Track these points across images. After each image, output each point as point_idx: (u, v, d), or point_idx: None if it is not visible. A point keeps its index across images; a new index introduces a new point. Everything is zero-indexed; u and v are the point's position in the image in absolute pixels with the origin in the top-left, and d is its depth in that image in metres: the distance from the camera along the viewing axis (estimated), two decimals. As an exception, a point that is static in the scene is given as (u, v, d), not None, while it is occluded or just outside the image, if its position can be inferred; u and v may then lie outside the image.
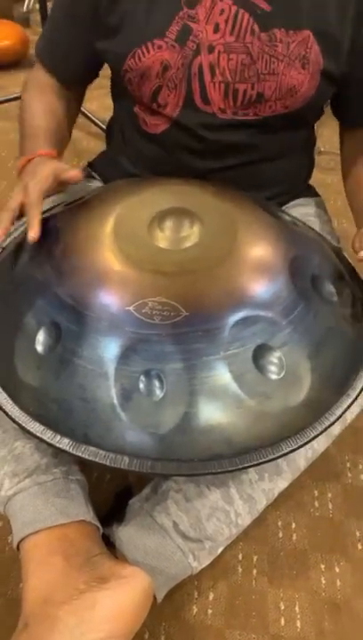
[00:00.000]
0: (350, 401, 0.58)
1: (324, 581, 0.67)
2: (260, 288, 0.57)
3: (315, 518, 0.73)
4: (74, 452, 0.52)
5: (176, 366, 0.52)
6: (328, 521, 0.73)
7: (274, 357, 0.54)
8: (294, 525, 0.72)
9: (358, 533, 0.72)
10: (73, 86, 0.85)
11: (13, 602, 0.61)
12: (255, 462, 0.53)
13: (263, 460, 0.53)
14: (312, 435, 0.55)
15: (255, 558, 0.68)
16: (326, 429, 0.55)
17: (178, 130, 0.76)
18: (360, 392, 0.59)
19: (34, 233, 0.61)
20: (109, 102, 0.84)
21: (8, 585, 0.64)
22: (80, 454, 0.52)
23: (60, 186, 0.69)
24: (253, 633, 0.61)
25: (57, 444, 0.52)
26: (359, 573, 0.67)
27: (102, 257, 0.58)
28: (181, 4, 0.67)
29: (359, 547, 0.70)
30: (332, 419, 0.56)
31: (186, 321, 0.53)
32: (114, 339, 0.53)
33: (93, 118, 1.61)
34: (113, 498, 0.71)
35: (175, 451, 0.52)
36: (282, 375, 0.54)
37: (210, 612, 0.63)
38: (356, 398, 0.58)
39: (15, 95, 1.70)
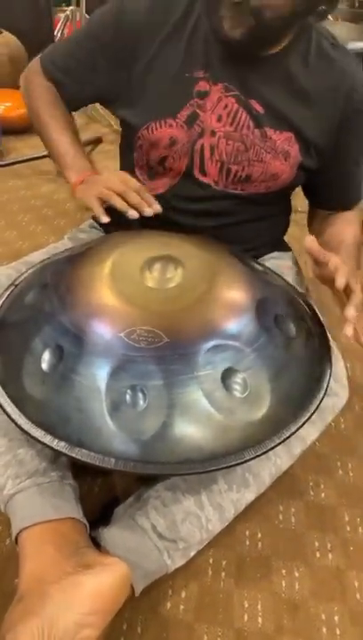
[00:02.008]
0: (304, 420, 0.69)
1: (284, 584, 0.75)
2: (229, 322, 0.69)
3: (279, 530, 0.82)
4: (69, 454, 0.62)
5: (157, 383, 0.63)
6: (291, 532, 0.82)
7: (239, 379, 0.65)
8: (259, 535, 0.81)
9: (317, 544, 0.80)
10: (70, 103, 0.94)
11: (9, 596, 0.68)
12: (222, 466, 0.63)
13: (229, 464, 0.63)
14: (271, 445, 0.65)
15: (224, 562, 0.77)
16: (282, 442, 0.65)
17: (175, 194, 0.89)
18: (314, 412, 0.70)
19: (157, 206, 0.78)
20: (111, 164, 0.98)
21: (3, 581, 0.72)
22: (74, 455, 0.62)
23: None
24: (219, 627, 0.69)
25: (55, 447, 0.62)
26: (317, 579, 0.76)
27: (100, 293, 0.71)
28: (193, 94, 0.82)
29: (318, 555, 0.79)
30: (288, 434, 0.67)
31: (167, 346, 0.65)
32: (106, 359, 0.65)
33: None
34: (101, 508, 0.80)
35: (154, 454, 0.62)
36: (246, 394, 0.65)
37: (182, 607, 0.71)
38: (309, 417, 0.69)
39: (27, 157, 1.89)
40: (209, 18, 0.78)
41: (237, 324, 0.70)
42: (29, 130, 2.20)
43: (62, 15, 2.65)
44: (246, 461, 0.63)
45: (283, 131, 0.83)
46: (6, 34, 2.47)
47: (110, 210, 0.88)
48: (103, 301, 0.70)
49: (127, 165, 0.94)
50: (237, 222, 0.92)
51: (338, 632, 0.70)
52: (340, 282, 0.70)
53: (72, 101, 0.94)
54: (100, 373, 0.64)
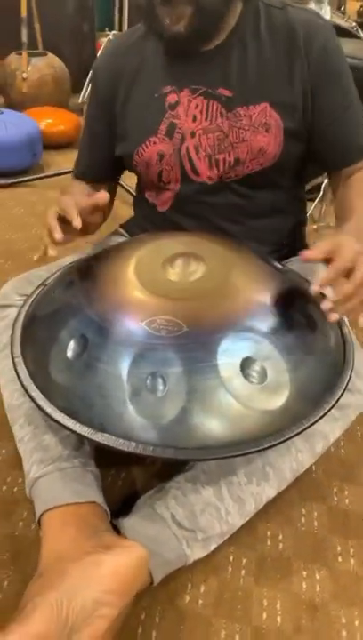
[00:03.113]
0: (323, 412, 0.68)
1: (304, 586, 0.73)
2: (248, 313, 0.70)
3: (301, 532, 0.80)
4: (92, 437, 0.63)
5: (177, 370, 0.64)
6: (313, 535, 0.80)
7: (258, 368, 0.66)
8: (281, 536, 0.79)
9: (339, 548, 0.78)
10: (104, 183, 1.02)
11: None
12: (240, 452, 0.63)
13: (247, 451, 0.63)
14: (289, 435, 0.65)
15: (244, 561, 0.76)
16: (301, 432, 0.65)
17: (181, 201, 0.93)
18: (334, 405, 0.69)
19: (77, 222, 0.75)
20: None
21: (29, 564, 0.73)
22: (97, 439, 0.63)
23: (93, 208, 0.81)
24: (237, 623, 0.68)
25: (79, 431, 0.64)
26: (338, 583, 0.73)
27: (123, 285, 0.73)
28: (166, 108, 0.87)
29: (340, 559, 0.76)
30: (307, 424, 0.66)
31: (186, 335, 0.66)
32: (128, 347, 0.66)
33: (130, 189, 1.85)
34: (121, 501, 0.81)
35: (173, 439, 0.62)
36: (265, 383, 0.65)
37: (200, 602, 0.70)
38: (329, 410, 0.68)
39: (67, 170, 1.96)
40: (150, 26, 0.82)
41: (256, 315, 0.70)
42: (69, 145, 2.32)
43: (105, 39, 2.77)
44: (264, 449, 0.63)
45: (256, 103, 0.84)
46: (51, 56, 2.60)
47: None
48: (125, 293, 0.72)
49: (140, 195, 1.02)
50: (247, 219, 0.93)
51: (359, 637, 0.67)
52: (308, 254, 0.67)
53: (101, 179, 1.03)
54: (122, 361, 0.66)
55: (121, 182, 1.84)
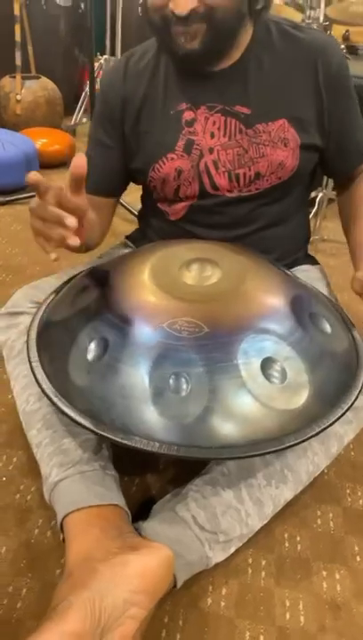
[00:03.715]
0: (342, 412, 0.69)
1: (325, 585, 0.73)
2: (266, 315, 0.71)
3: (317, 533, 0.81)
4: (113, 438, 0.64)
5: (199, 370, 0.65)
6: (329, 536, 0.80)
7: (278, 368, 0.67)
8: (298, 538, 0.80)
9: (356, 548, 0.79)
10: (106, 198, 1.01)
11: (52, 585, 0.69)
12: (262, 452, 0.64)
13: (269, 450, 0.64)
14: (310, 434, 0.66)
15: (264, 563, 0.76)
16: (322, 431, 0.66)
17: (196, 211, 0.94)
18: (351, 405, 0.70)
19: (71, 220, 0.64)
20: (139, 195, 1.04)
21: (47, 570, 0.73)
22: (119, 440, 0.63)
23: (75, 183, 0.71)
24: (261, 624, 0.68)
25: (100, 432, 0.64)
26: (358, 581, 0.74)
27: (142, 289, 0.74)
28: (183, 125, 0.89)
29: (358, 559, 0.77)
30: (326, 424, 0.67)
31: (207, 336, 0.67)
32: (150, 348, 0.67)
33: (129, 207, 1.88)
34: (138, 505, 0.81)
35: (196, 439, 0.63)
36: (285, 384, 0.67)
37: (223, 604, 0.70)
38: (347, 410, 0.69)
39: (62, 187, 2.00)
40: (164, 44, 0.83)
41: (274, 317, 0.72)
42: (64, 164, 2.35)
43: (96, 64, 2.84)
44: (286, 448, 0.64)
45: (274, 120, 0.86)
46: (44, 79, 2.65)
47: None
48: (145, 296, 0.73)
49: (149, 201, 1.02)
50: (258, 229, 0.95)
51: (383, 634, 0.68)
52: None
53: (110, 193, 1.01)
54: (144, 362, 0.67)
55: (123, 203, 1.87)
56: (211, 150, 0.88)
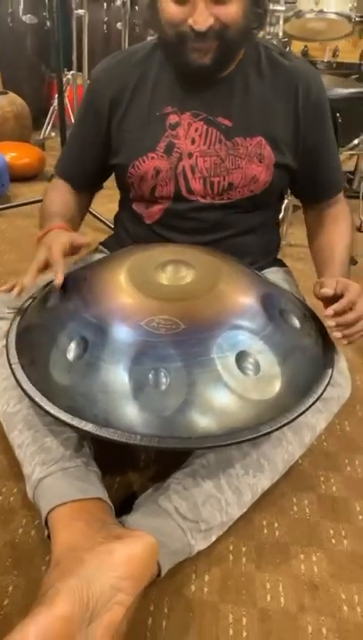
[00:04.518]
0: (312, 401, 0.74)
1: (303, 568, 0.76)
2: (239, 311, 0.76)
3: (295, 519, 0.84)
4: (97, 433, 0.66)
5: (177, 365, 0.68)
6: (306, 522, 0.84)
7: (252, 360, 0.71)
8: (276, 524, 0.83)
9: (331, 531, 0.82)
10: (83, 192, 1.07)
11: (37, 582, 0.70)
12: (240, 440, 0.67)
13: (246, 438, 0.67)
14: (283, 422, 0.70)
15: (244, 549, 0.79)
16: (295, 419, 0.70)
17: (170, 215, 0.98)
18: (321, 394, 0.74)
19: (58, 281, 0.79)
20: (111, 206, 1.08)
21: (32, 567, 0.74)
22: (102, 434, 0.66)
23: (73, 251, 0.87)
24: (243, 607, 0.71)
25: (83, 428, 0.67)
26: (334, 562, 0.78)
27: (119, 290, 0.77)
28: (166, 127, 0.93)
29: (333, 541, 0.81)
30: (298, 413, 0.71)
31: (183, 332, 0.71)
32: (130, 345, 0.70)
33: (99, 216, 1.91)
34: (121, 501, 0.82)
35: (176, 430, 0.66)
36: (259, 375, 0.71)
37: (206, 590, 0.73)
38: (317, 399, 0.74)
39: (33, 200, 2.01)
40: (176, 59, 0.87)
41: (247, 313, 0.76)
42: (33, 177, 2.38)
43: (63, 79, 2.87)
44: (261, 436, 0.68)
45: (252, 137, 0.92)
46: (12, 94, 2.68)
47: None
48: (123, 296, 0.76)
49: (126, 203, 1.05)
50: (230, 236, 0.99)
51: (359, 610, 0.71)
52: (325, 292, 0.81)
53: (83, 180, 1.06)
54: (123, 358, 0.69)
55: (91, 210, 1.90)
56: (190, 155, 0.92)
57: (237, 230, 0.99)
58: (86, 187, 1.09)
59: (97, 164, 1.03)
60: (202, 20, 0.78)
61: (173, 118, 0.92)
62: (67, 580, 0.57)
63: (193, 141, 0.92)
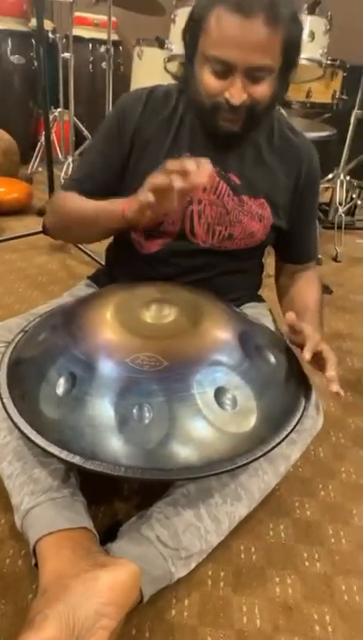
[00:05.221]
0: (286, 433, 0.79)
1: (278, 590, 0.81)
2: (217, 349, 0.81)
3: (271, 544, 0.89)
4: (84, 465, 0.70)
5: (159, 400, 0.73)
6: (281, 546, 0.89)
7: (229, 396, 0.76)
8: (253, 549, 0.88)
9: (305, 554, 0.87)
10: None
11: (24, 610, 0.73)
12: (218, 471, 0.72)
13: (223, 469, 0.72)
14: (259, 454, 0.75)
15: (222, 574, 0.83)
16: (269, 451, 0.75)
17: (169, 251, 1.04)
18: (295, 426, 0.80)
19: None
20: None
21: (18, 596, 0.77)
22: (88, 466, 0.70)
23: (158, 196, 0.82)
24: (221, 629, 0.75)
25: (71, 460, 0.71)
26: (307, 584, 0.82)
27: (106, 327, 0.83)
28: None
29: (307, 564, 0.86)
30: (273, 444, 0.77)
31: (166, 369, 0.76)
32: (115, 381, 0.75)
33: (87, 250, 1.97)
34: (106, 529, 0.86)
35: (159, 462, 0.71)
36: (236, 410, 0.76)
37: (186, 614, 0.77)
38: (292, 431, 0.79)
39: (21, 234, 2.07)
40: (208, 123, 0.95)
41: (225, 351, 0.82)
42: (22, 212, 2.44)
43: (51, 116, 2.97)
44: (238, 467, 0.72)
45: (257, 197, 1.02)
46: (0, 130, 2.75)
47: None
48: (110, 334, 0.82)
49: (126, 231, 1.06)
50: (219, 274, 1.07)
51: (330, 629, 0.76)
52: (307, 355, 0.83)
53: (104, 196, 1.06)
54: (110, 394, 0.74)
55: (81, 246, 1.96)
56: (199, 202, 1.00)
57: (228, 270, 1.08)
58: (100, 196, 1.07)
59: (113, 180, 1.05)
60: (238, 95, 0.87)
61: None
62: (54, 605, 0.61)
63: (204, 190, 1.00)
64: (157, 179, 0.81)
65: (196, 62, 0.91)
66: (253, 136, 1.00)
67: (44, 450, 0.73)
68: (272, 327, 1.09)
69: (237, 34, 0.83)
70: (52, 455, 0.72)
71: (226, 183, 1.01)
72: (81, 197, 1.02)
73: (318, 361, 0.85)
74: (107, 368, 0.77)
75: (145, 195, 0.82)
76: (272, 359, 0.87)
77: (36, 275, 1.84)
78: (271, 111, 0.99)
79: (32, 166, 3.04)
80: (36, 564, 0.72)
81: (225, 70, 0.86)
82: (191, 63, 0.93)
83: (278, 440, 0.77)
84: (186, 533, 0.77)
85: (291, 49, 0.89)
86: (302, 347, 0.86)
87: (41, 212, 2.30)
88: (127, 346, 0.79)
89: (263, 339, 0.92)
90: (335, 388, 0.81)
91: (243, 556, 0.86)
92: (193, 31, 0.90)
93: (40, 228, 2.00)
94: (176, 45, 2.00)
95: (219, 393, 0.76)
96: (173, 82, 1.12)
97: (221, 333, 0.86)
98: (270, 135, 1.04)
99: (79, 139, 2.86)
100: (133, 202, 0.87)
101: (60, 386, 0.77)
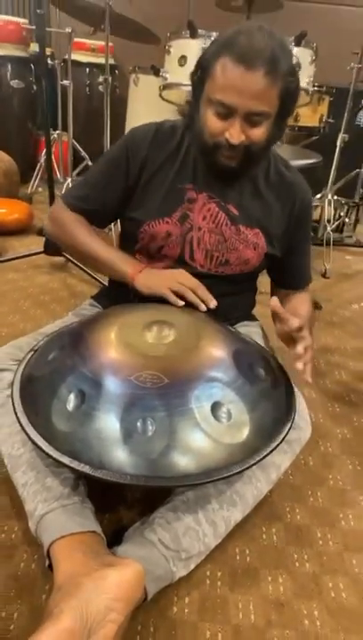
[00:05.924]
0: (277, 443, 0.87)
1: (271, 588, 0.88)
2: (214, 367, 0.89)
3: (264, 546, 0.96)
4: (93, 474, 0.78)
5: (161, 414, 0.81)
6: (274, 548, 0.96)
7: (225, 410, 0.84)
8: (248, 551, 0.95)
9: (296, 556, 0.95)
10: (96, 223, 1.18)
11: (39, 609, 0.80)
12: (215, 478, 0.79)
13: (220, 477, 0.79)
14: (252, 462, 0.82)
15: (219, 574, 0.90)
16: (261, 459, 0.82)
17: None
18: (285, 437, 0.87)
19: (214, 303, 1.00)
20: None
21: (33, 596, 0.83)
22: (97, 475, 0.77)
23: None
24: (219, 624, 0.82)
25: (81, 469, 0.78)
26: (297, 583, 0.90)
27: (112, 348, 0.90)
28: (184, 200, 1.10)
29: (297, 564, 0.93)
30: (265, 453, 0.84)
31: (167, 385, 0.83)
32: (120, 397, 0.82)
33: (87, 270, 2.04)
34: (111, 534, 0.93)
35: (161, 471, 0.78)
36: (230, 422, 0.83)
37: (186, 611, 0.84)
38: (281, 441, 0.86)
39: (22, 254, 2.15)
40: (208, 158, 1.04)
41: (220, 368, 0.90)
42: (22, 232, 2.51)
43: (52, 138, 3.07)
44: (233, 475, 0.80)
45: (253, 227, 1.11)
46: (0, 152, 2.84)
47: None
48: (115, 353, 0.89)
49: (129, 251, 1.16)
50: (216, 296, 1.12)
51: (318, 624, 0.83)
52: (295, 324, 0.94)
53: (97, 221, 1.18)
54: (116, 409, 0.81)
55: (81, 266, 2.03)
56: (199, 229, 1.10)
57: (224, 293, 1.14)
58: (100, 222, 1.20)
59: (116, 204, 1.14)
60: (237, 136, 0.97)
61: (191, 194, 1.10)
62: (68, 600, 0.68)
63: (204, 218, 1.09)
64: (187, 292, 1.02)
65: (201, 103, 1.01)
66: (251, 172, 1.10)
67: (56, 460, 0.80)
68: (263, 344, 1.17)
69: (239, 82, 0.93)
70: (64, 465, 0.79)
71: (225, 213, 1.10)
72: (90, 230, 1.13)
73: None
74: (113, 385, 0.84)
75: (175, 300, 1.02)
76: (263, 375, 0.95)
77: (38, 294, 1.92)
78: (267, 151, 1.08)
79: (32, 186, 3.14)
80: (50, 566, 0.79)
81: (227, 113, 0.96)
82: (197, 103, 1.03)
83: (269, 449, 0.85)
84: (186, 536, 0.85)
85: (287, 98, 0.99)
86: (288, 341, 0.97)
87: (41, 232, 2.38)
88: (131, 364, 0.87)
89: (255, 356, 1.00)
90: (300, 365, 0.92)
91: (238, 557, 0.94)
92: (201, 75, 1.00)
93: (41, 248, 2.09)
94: (171, 74, 2.10)
95: (215, 407, 0.83)
96: (167, 107, 1.23)
97: (216, 352, 0.93)
98: (267, 171, 1.13)
99: (77, 159, 2.96)
100: (159, 288, 1.03)
101: (71, 402, 0.85)
